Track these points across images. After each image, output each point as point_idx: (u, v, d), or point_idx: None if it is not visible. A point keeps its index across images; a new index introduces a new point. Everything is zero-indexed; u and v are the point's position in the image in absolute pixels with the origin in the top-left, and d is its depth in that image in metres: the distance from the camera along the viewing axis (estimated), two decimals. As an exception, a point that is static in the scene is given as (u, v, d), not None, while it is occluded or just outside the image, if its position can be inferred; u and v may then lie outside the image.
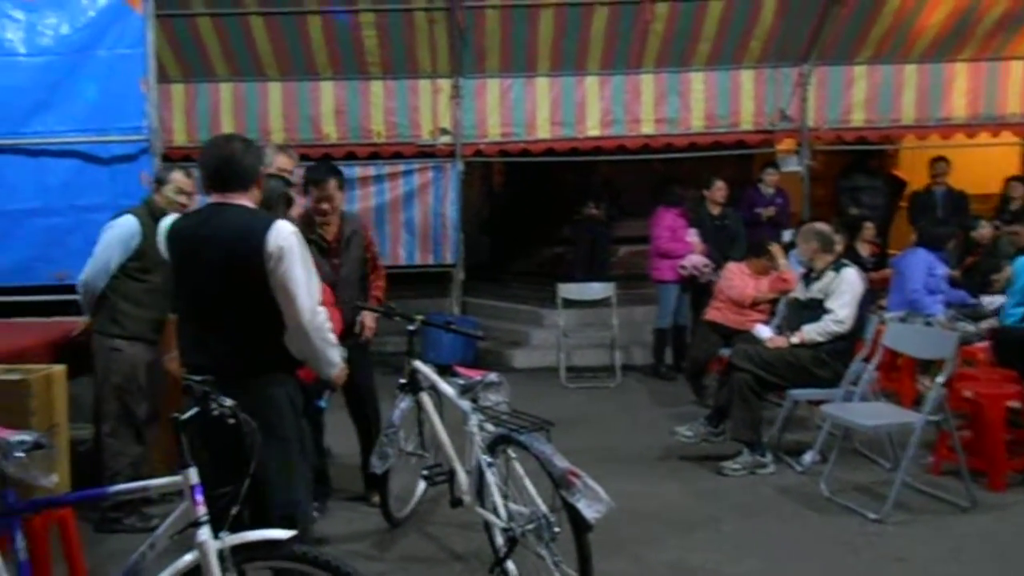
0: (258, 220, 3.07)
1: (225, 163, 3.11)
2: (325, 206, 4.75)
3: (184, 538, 2.64)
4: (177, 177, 4.70)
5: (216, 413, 2.65)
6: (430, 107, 8.22)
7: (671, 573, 4.12)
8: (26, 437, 2.74)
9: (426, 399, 4.36)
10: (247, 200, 3.14)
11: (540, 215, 10.09)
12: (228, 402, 2.66)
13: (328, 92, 8.15)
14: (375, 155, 8.25)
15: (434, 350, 7.24)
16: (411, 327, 4.48)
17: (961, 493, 4.86)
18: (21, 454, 2.69)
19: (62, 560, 3.34)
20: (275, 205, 3.87)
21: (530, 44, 7.96)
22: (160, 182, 4.74)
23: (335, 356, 3.22)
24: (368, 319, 4.80)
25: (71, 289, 5.50)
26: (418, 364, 4.39)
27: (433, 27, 7.76)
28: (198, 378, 2.71)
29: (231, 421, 2.67)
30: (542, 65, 8.18)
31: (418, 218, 8.28)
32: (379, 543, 4.42)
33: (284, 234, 3.02)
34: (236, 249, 3.00)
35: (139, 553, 2.74)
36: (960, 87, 8.50)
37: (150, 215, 4.58)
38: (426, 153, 8.28)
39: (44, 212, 5.89)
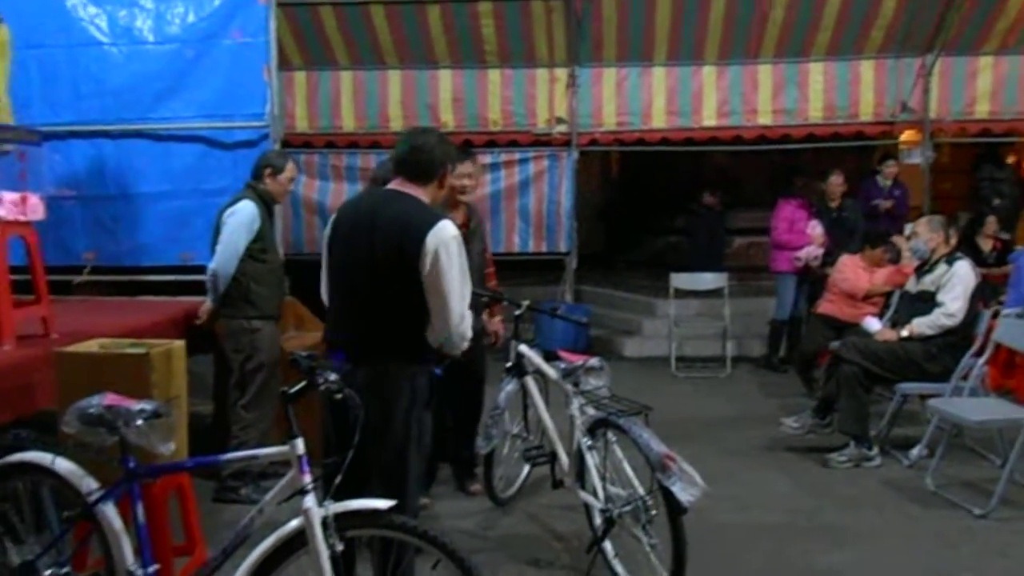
0: (424, 215, 2.93)
1: (412, 152, 3.02)
2: (467, 182, 4.59)
3: (291, 505, 2.58)
4: (292, 167, 4.76)
5: (323, 388, 2.57)
6: (546, 96, 7.96)
7: (767, 561, 3.96)
8: (146, 406, 2.78)
9: (531, 382, 4.24)
10: (424, 194, 3.01)
11: (655, 205, 9.83)
12: (333, 377, 2.58)
13: (446, 80, 7.96)
14: (491, 143, 8.01)
15: (545, 336, 7.08)
16: (517, 312, 4.36)
17: None
18: (141, 422, 2.73)
19: (179, 526, 3.28)
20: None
21: (647, 33, 7.62)
22: (276, 170, 4.66)
23: (467, 341, 3.06)
24: (497, 325, 4.67)
25: (195, 269, 5.51)
26: (524, 348, 4.26)
27: (550, 16, 7.49)
28: (304, 353, 2.61)
29: (337, 396, 2.60)
30: (659, 54, 7.82)
31: (533, 206, 8.01)
32: (483, 521, 4.34)
33: (444, 236, 2.88)
34: (395, 239, 2.90)
35: (248, 518, 2.66)
36: None
37: (261, 200, 4.57)
38: (542, 142, 8.01)
39: (170, 195, 5.88)
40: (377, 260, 2.91)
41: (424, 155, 3.02)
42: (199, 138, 5.84)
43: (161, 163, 5.86)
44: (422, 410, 3.00)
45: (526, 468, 4.57)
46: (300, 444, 2.55)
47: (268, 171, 4.65)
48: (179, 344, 3.87)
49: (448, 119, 7.94)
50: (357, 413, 2.61)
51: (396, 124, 7.92)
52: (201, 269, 5.91)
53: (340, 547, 2.50)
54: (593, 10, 7.43)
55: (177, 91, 5.82)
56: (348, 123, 8.03)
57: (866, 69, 7.91)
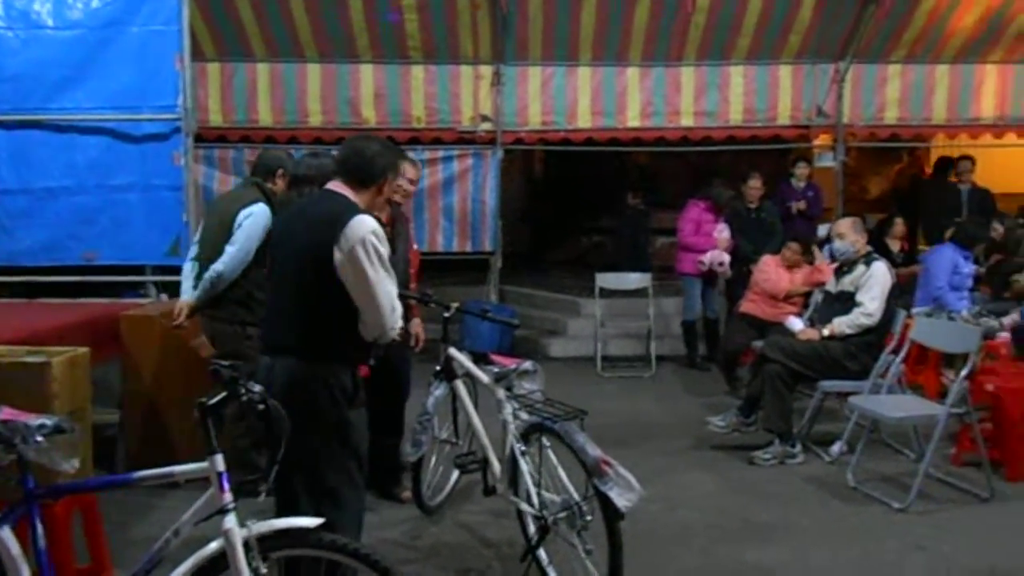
0: (342, 211, 2.88)
1: (354, 156, 2.97)
2: (410, 187, 4.60)
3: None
4: None
5: (245, 399, 2.43)
6: (471, 93, 7.77)
7: (699, 562, 3.97)
8: (46, 421, 2.56)
9: (461, 387, 4.11)
10: (358, 198, 2.94)
11: (579, 204, 9.77)
12: (256, 388, 2.46)
13: (368, 75, 7.69)
14: (415, 140, 7.78)
15: (471, 338, 6.91)
16: (446, 314, 4.20)
17: (981, 484, 4.78)
18: (41, 438, 2.51)
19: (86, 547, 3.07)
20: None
21: (572, 33, 7.52)
22: (287, 172, 4.45)
23: (397, 330, 2.99)
24: (418, 328, 4.54)
25: (100, 270, 5.17)
26: (453, 351, 4.10)
27: (475, 13, 7.31)
28: (226, 363, 2.48)
29: (260, 407, 2.45)
30: (584, 54, 7.72)
31: (457, 205, 7.84)
32: (411, 530, 4.20)
33: (361, 230, 2.79)
34: (315, 236, 2.86)
35: (163, 540, 2.45)
36: (989, 88, 8.17)
37: (269, 202, 4.37)
38: (466, 140, 7.83)
39: (72, 191, 5.58)
40: (300, 258, 2.88)
41: (365, 161, 2.97)
42: (104, 130, 5.53)
43: (63, 156, 5.53)
44: (346, 409, 2.88)
45: (455, 475, 4.45)
46: (220, 460, 2.38)
47: (280, 172, 4.44)
48: (83, 351, 3.58)
49: (370, 115, 7.68)
50: (281, 425, 2.45)
51: (315, 119, 7.64)
52: (106, 269, 5.58)
53: (264, 570, 2.34)
54: (518, 8, 7.28)
55: (80, 80, 5.49)
56: (265, 117, 7.68)
57: (784, 74, 7.98)
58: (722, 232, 7.46)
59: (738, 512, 4.49)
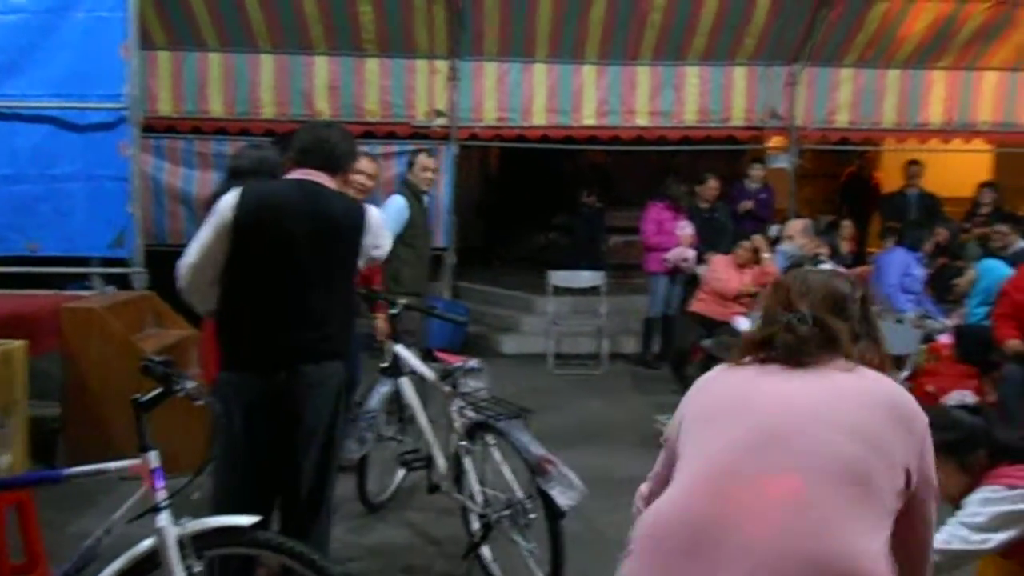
0: (357, 206, 3.01)
1: (320, 143, 2.94)
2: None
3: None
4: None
5: (180, 395, 2.38)
6: (426, 88, 7.73)
7: None
8: None
9: (407, 384, 4.11)
10: (333, 185, 2.96)
11: (534, 201, 9.76)
12: (191, 383, 2.40)
13: (322, 67, 7.62)
14: (368, 134, 7.68)
15: (421, 335, 6.81)
16: (394, 311, 4.17)
17: None
18: None
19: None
20: (276, 177, 3.54)
21: (528, 29, 7.51)
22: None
23: None
24: (383, 324, 4.50)
25: (42, 260, 5.05)
26: (399, 349, 4.09)
27: (431, 7, 7.27)
28: (159, 358, 2.41)
29: (197, 403, 2.43)
30: (540, 51, 7.73)
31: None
32: (356, 528, 4.15)
33: (377, 216, 3.01)
34: (345, 234, 2.92)
35: (95, 537, 2.40)
36: (938, 94, 8.31)
37: None
38: (420, 134, 7.78)
39: (14, 180, 5.40)
40: (314, 252, 2.82)
41: (331, 147, 2.94)
42: (47, 118, 5.36)
43: (3, 144, 5.35)
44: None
45: (400, 472, 4.42)
46: (153, 457, 2.34)
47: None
48: (18, 345, 3.51)
49: (323, 107, 7.60)
50: (221, 420, 2.45)
51: (268, 111, 7.55)
52: (50, 260, 5.44)
53: (198, 568, 2.30)
54: (474, 3, 7.27)
55: (22, 66, 5.32)
56: (216, 108, 7.58)
57: (738, 75, 8.05)
58: (684, 229, 7.57)
59: None
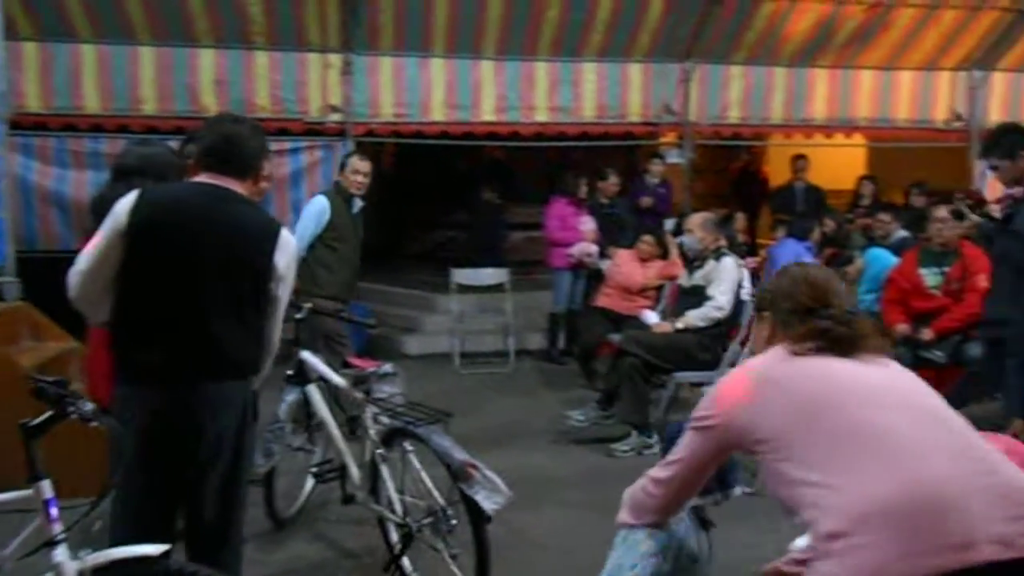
0: (268, 222, 2.73)
1: (226, 143, 2.64)
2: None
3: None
4: None
5: (74, 417, 2.17)
6: (319, 83, 7.43)
7: (565, 559, 3.95)
8: None
9: (314, 391, 3.98)
10: (243, 190, 2.68)
11: (432, 198, 9.61)
12: (88, 406, 2.19)
13: (207, 60, 7.21)
14: (259, 131, 7.39)
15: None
16: (298, 315, 4.03)
17: None
18: None
19: None
20: (166, 177, 3.39)
21: (425, 23, 7.34)
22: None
23: None
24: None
25: None
26: (306, 354, 3.96)
27: (323, -1, 7.01)
28: (51, 379, 2.21)
29: (92, 425, 2.21)
30: (437, 46, 7.56)
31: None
32: (264, 546, 4.00)
33: (291, 249, 2.69)
34: (244, 247, 2.63)
35: None
36: (820, 91, 8.56)
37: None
38: (314, 131, 7.50)
39: None
40: (216, 267, 2.59)
41: (238, 147, 2.65)
42: None
43: None
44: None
45: (309, 483, 4.30)
46: (47, 487, 2.16)
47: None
48: None
49: (210, 102, 7.20)
50: (119, 442, 2.27)
51: (149, 106, 7.10)
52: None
53: None
54: (369, -5, 7.05)
55: None
56: (91, 103, 7.07)
57: (634, 72, 8.10)
58: (587, 224, 7.64)
59: (600, 506, 4.50)
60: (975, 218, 4.49)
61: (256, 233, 2.65)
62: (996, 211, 4.52)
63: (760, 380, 2.01)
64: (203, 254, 2.57)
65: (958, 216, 4.48)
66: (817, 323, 2.02)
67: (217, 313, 2.59)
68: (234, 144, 2.66)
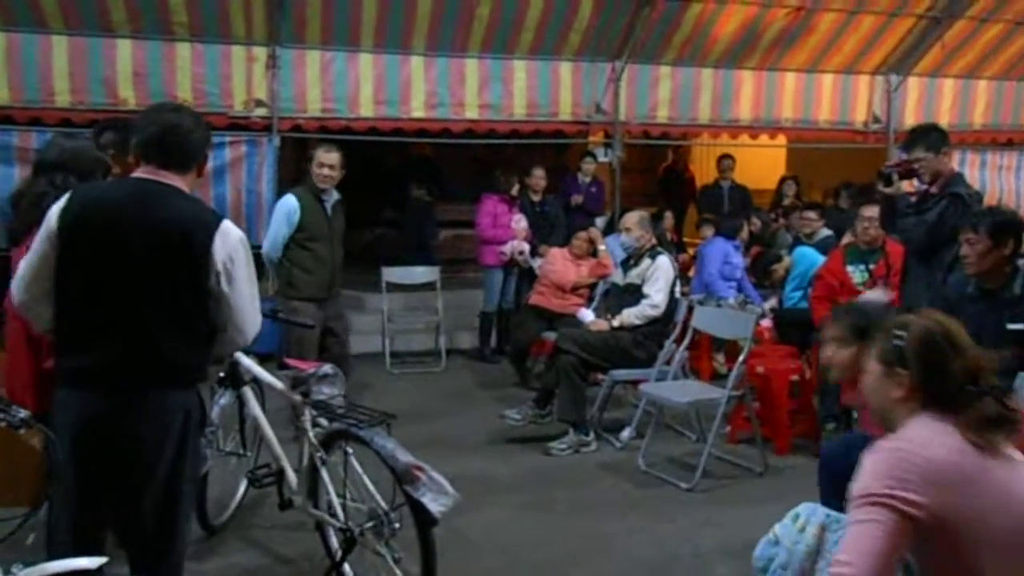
0: (204, 214, 2.56)
1: (167, 134, 2.54)
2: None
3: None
4: None
5: (2, 425, 2.14)
6: (244, 76, 7.28)
7: (505, 557, 3.99)
8: None
9: (248, 394, 3.91)
10: (184, 184, 2.59)
11: (359, 195, 9.49)
12: (21, 413, 2.15)
13: (125, 51, 7.00)
14: (181, 125, 7.19)
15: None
16: None
17: (755, 459, 5.18)
18: None
19: None
20: (92, 172, 3.30)
21: (353, 17, 7.26)
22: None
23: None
24: None
25: None
26: (239, 355, 3.85)
27: (248, -10, 6.88)
28: None
29: (21, 432, 2.18)
30: (366, 40, 7.48)
31: (230, 196, 7.32)
32: (196, 554, 3.85)
33: (232, 239, 2.52)
34: (173, 243, 2.51)
35: None
36: (746, 92, 8.76)
37: None
38: (239, 126, 7.35)
39: None
40: (150, 268, 2.50)
41: (180, 138, 2.57)
42: None
43: None
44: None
45: (241, 488, 4.23)
46: None
47: None
48: None
49: (128, 95, 7.00)
50: (55, 454, 2.19)
51: (63, 99, 6.87)
52: None
53: None
54: (295, -13, 6.94)
55: None
56: (1, 95, 6.80)
57: (565, 70, 8.16)
58: (519, 222, 7.69)
59: (541, 504, 4.60)
60: (902, 186, 4.63)
61: (191, 228, 2.53)
62: (911, 199, 4.68)
63: (944, 471, 1.92)
64: (136, 254, 2.50)
65: (886, 181, 4.64)
66: (984, 409, 1.97)
67: (155, 315, 2.51)
68: (176, 135, 2.58)
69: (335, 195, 5.62)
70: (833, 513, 2.67)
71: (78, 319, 2.53)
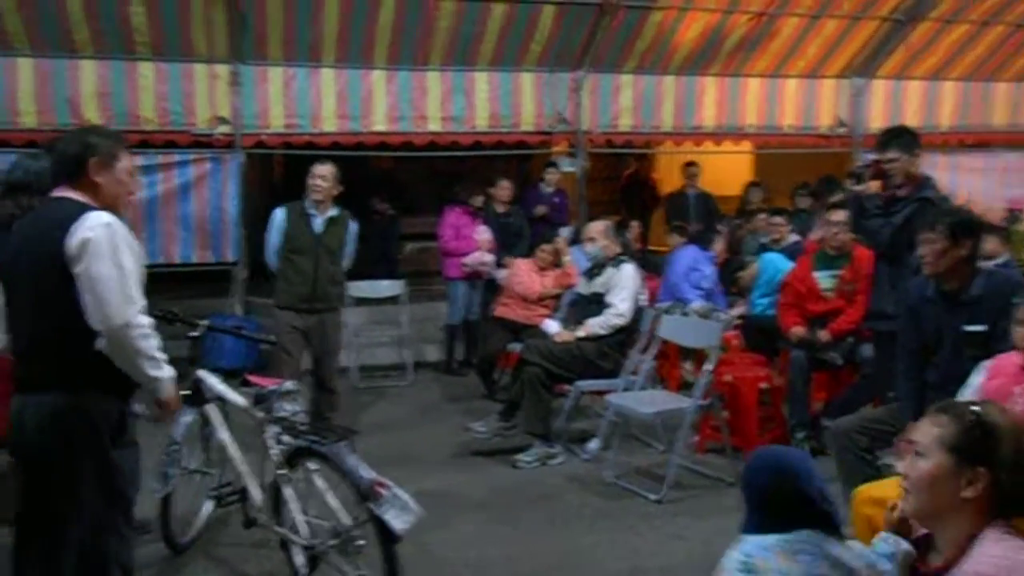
0: (69, 211, 2.67)
1: (52, 154, 2.80)
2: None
3: None
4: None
5: None
6: (206, 94, 7.47)
7: (472, 570, 4.03)
8: None
9: (213, 411, 3.97)
10: (80, 193, 2.74)
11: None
12: None
13: (89, 72, 7.19)
14: (145, 144, 7.34)
15: (215, 354, 6.46)
16: (194, 333, 4.05)
17: (724, 469, 5.14)
18: None
19: None
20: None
21: (315, 33, 7.44)
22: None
23: (156, 370, 2.79)
24: None
25: None
26: (203, 373, 3.98)
27: (209, 8, 7.05)
28: None
29: None
30: (327, 55, 7.67)
31: (195, 213, 7.50)
32: (161, 573, 3.97)
33: (91, 224, 2.61)
34: (44, 246, 2.64)
35: None
36: (710, 99, 8.90)
37: None
38: (202, 143, 7.52)
39: None
40: (32, 274, 2.69)
41: (56, 158, 2.80)
42: None
43: None
44: (106, 447, 2.72)
45: (206, 506, 4.25)
46: None
47: None
48: None
49: (92, 115, 7.17)
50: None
51: (28, 119, 7.06)
52: None
53: None
54: (256, 4, 7.11)
55: None
56: (-33, 116, 6.99)
57: (526, 81, 8.33)
58: (483, 234, 7.79)
59: (508, 517, 4.63)
60: (871, 186, 4.61)
61: (51, 225, 2.69)
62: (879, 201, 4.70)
63: None
64: (16, 265, 2.77)
65: (858, 179, 4.61)
66: None
67: (28, 325, 2.74)
68: (54, 157, 2.85)
69: (331, 211, 5.77)
70: (778, 537, 2.28)
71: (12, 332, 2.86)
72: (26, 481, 2.71)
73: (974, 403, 1.94)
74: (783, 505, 2.26)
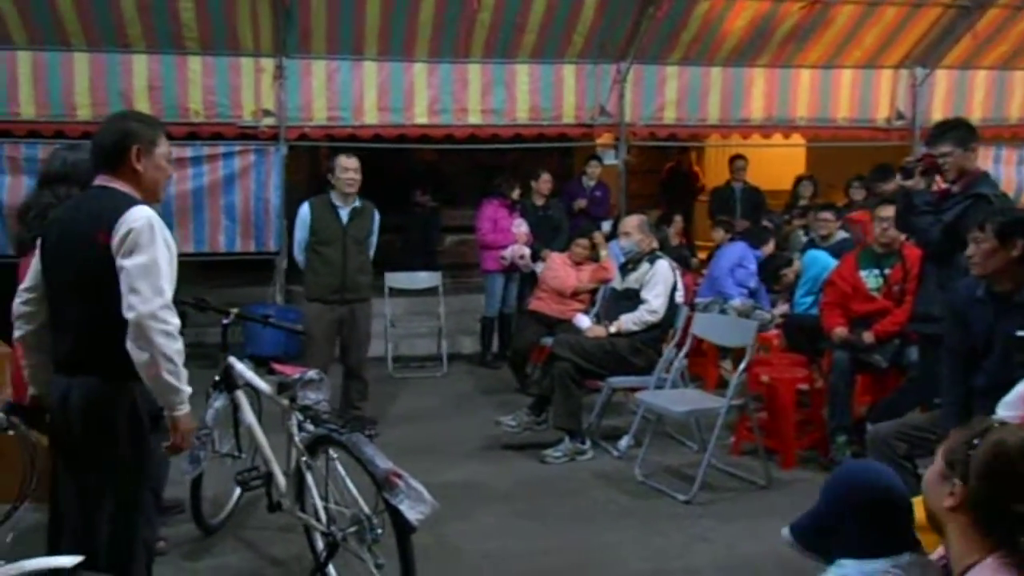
0: (114, 203, 2.76)
1: (94, 140, 2.86)
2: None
3: None
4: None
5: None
6: (252, 87, 7.69)
7: (494, 565, 4.06)
8: None
9: (242, 397, 4.08)
10: (121, 182, 2.82)
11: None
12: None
13: (141, 66, 7.47)
14: (193, 135, 7.65)
15: (254, 343, 6.76)
16: (225, 320, 4.18)
17: (758, 472, 5.09)
18: None
19: None
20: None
21: (357, 27, 7.59)
22: None
23: (174, 377, 2.75)
24: None
25: None
26: (233, 360, 4.10)
27: (256, 3, 7.25)
28: None
29: (9, 433, 2.42)
30: (369, 49, 7.82)
31: (239, 203, 7.75)
32: (191, 552, 4.12)
33: (135, 216, 2.71)
34: (86, 234, 2.73)
35: None
36: (758, 91, 8.75)
37: None
38: (248, 135, 7.76)
39: None
40: (76, 262, 2.77)
41: (96, 147, 2.87)
42: None
43: None
44: (146, 431, 2.82)
45: (237, 491, 4.40)
46: None
47: None
48: None
49: (144, 108, 7.36)
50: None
51: (84, 112, 7.35)
52: None
53: None
54: (301, 1, 7.28)
55: None
56: (27, 110, 7.33)
57: (568, 73, 8.31)
58: (520, 227, 7.86)
59: (532, 512, 4.64)
60: (921, 182, 4.45)
61: (96, 214, 2.75)
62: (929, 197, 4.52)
63: None
64: (58, 251, 2.87)
65: (908, 174, 4.44)
66: None
67: (72, 306, 2.83)
68: (99, 137, 2.88)
69: (356, 202, 5.91)
70: (884, 560, 2.04)
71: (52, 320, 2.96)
72: (65, 460, 2.83)
73: (1004, 422, 1.94)
74: (893, 526, 2.07)
